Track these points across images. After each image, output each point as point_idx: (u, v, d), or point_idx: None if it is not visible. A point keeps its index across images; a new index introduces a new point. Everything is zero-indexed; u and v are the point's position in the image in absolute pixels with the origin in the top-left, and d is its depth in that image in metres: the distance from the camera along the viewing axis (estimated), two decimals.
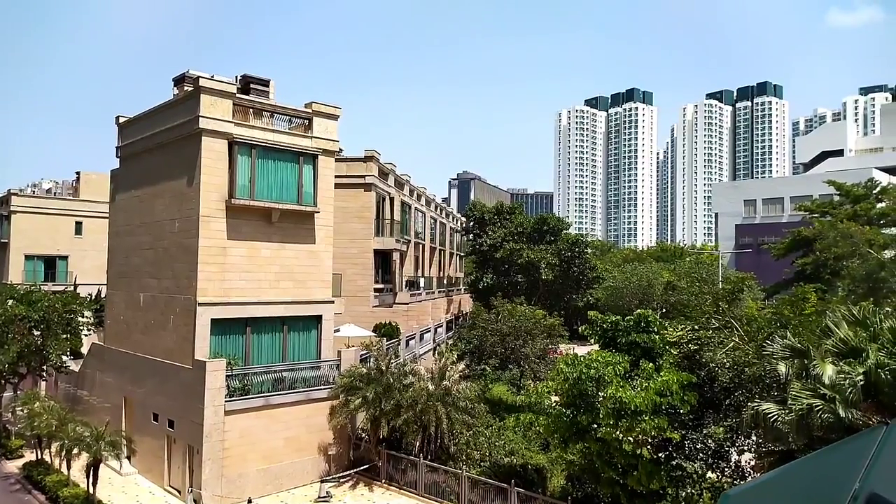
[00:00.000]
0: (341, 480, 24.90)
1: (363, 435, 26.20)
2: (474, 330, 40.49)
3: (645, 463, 17.21)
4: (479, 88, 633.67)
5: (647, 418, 16.78)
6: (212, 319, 23.98)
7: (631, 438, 16.89)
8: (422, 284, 49.96)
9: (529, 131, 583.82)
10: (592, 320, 21.41)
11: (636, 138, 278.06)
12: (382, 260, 42.06)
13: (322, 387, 25.60)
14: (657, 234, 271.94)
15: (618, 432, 16.95)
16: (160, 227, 26.50)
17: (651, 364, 18.80)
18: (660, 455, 18.06)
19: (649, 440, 17.43)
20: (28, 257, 58.06)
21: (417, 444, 24.23)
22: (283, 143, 26.05)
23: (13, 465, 27.25)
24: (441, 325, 50.05)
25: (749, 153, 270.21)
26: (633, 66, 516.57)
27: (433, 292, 54.26)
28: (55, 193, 72.73)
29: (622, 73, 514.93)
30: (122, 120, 30.26)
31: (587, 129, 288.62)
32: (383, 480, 24.88)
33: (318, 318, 27.22)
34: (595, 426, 17.89)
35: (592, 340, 21.69)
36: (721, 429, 18.85)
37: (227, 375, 22.92)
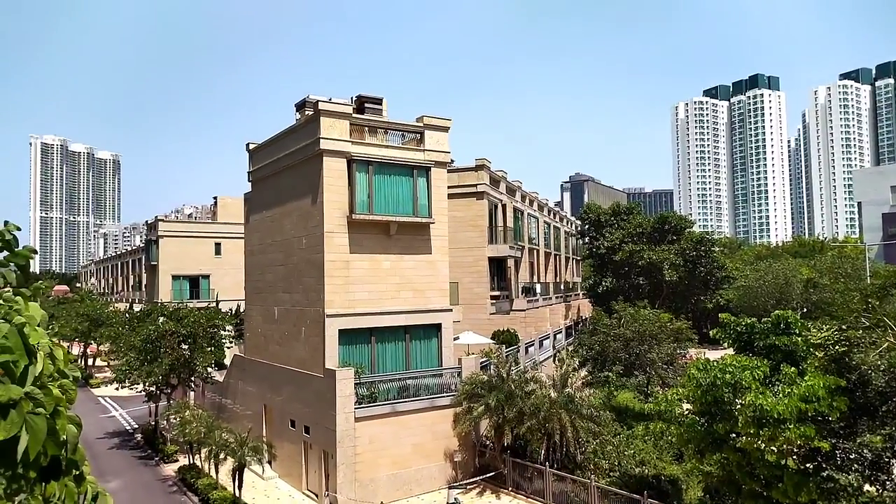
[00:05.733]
0: (468, 487, 25.07)
1: (487, 442, 26.27)
2: (595, 335, 39.42)
3: (791, 474, 15.96)
4: (589, 88, 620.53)
5: (791, 426, 15.56)
6: (339, 330, 25.03)
7: (774, 448, 15.73)
8: (538, 290, 49.50)
9: (644, 128, 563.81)
10: (725, 323, 20.19)
11: (763, 127, 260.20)
12: (497, 267, 42.14)
13: (445, 394, 25.95)
14: (793, 227, 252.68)
15: (759, 442, 15.85)
16: (289, 244, 28.12)
17: (793, 368, 17.45)
18: (807, 466, 16.68)
19: (794, 450, 16.15)
20: (175, 277, 63.67)
21: (542, 452, 23.93)
22: (398, 158, 26.83)
23: (170, 469, 29.82)
24: (560, 332, 49.28)
25: (894, 135, 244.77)
26: (753, 52, 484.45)
27: (550, 298, 53.59)
28: (196, 218, 79.41)
29: (742, 60, 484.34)
30: (251, 146, 32.49)
31: (707, 120, 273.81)
32: (510, 488, 24.79)
33: (438, 327, 27.68)
34: (733, 435, 16.84)
35: (725, 344, 20.44)
36: (878, 437, 17.09)
37: (355, 383, 23.79)
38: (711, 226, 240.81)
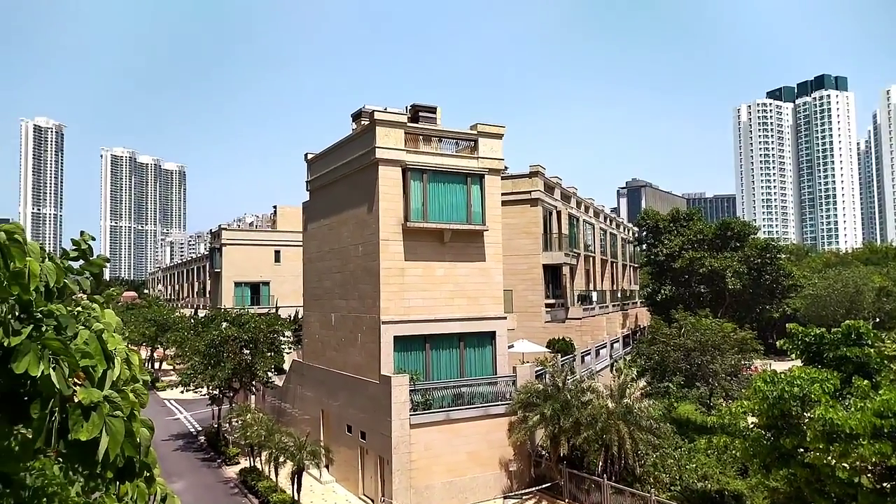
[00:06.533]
0: (524, 497, 24.83)
1: (543, 452, 25.95)
2: (654, 345, 38.45)
3: (865, 493, 15.17)
4: (647, 91, 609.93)
5: (864, 442, 14.79)
6: (394, 336, 25.24)
7: (846, 465, 14.99)
8: (594, 298, 48.71)
9: (704, 132, 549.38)
10: (792, 333, 19.43)
11: (830, 129, 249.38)
12: (552, 275, 41.68)
13: (499, 402, 25.78)
14: (863, 233, 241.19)
15: (829, 458, 15.13)
16: (346, 251, 28.58)
17: (866, 381, 16.62)
18: (884, 485, 15.80)
19: (869, 467, 15.34)
20: (237, 284, 65.47)
21: (600, 463, 23.44)
22: (452, 166, 26.93)
23: (231, 471, 30.63)
24: (617, 341, 48.35)
25: None
26: (818, 52, 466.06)
27: (607, 306, 52.66)
28: (256, 226, 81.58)
29: (807, 60, 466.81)
30: (309, 156, 33.23)
31: (771, 123, 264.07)
32: (566, 500, 24.40)
33: (492, 335, 27.55)
34: (801, 450, 16.14)
35: (793, 356, 19.67)
36: None
37: (410, 390, 23.92)
38: (777, 232, 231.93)
